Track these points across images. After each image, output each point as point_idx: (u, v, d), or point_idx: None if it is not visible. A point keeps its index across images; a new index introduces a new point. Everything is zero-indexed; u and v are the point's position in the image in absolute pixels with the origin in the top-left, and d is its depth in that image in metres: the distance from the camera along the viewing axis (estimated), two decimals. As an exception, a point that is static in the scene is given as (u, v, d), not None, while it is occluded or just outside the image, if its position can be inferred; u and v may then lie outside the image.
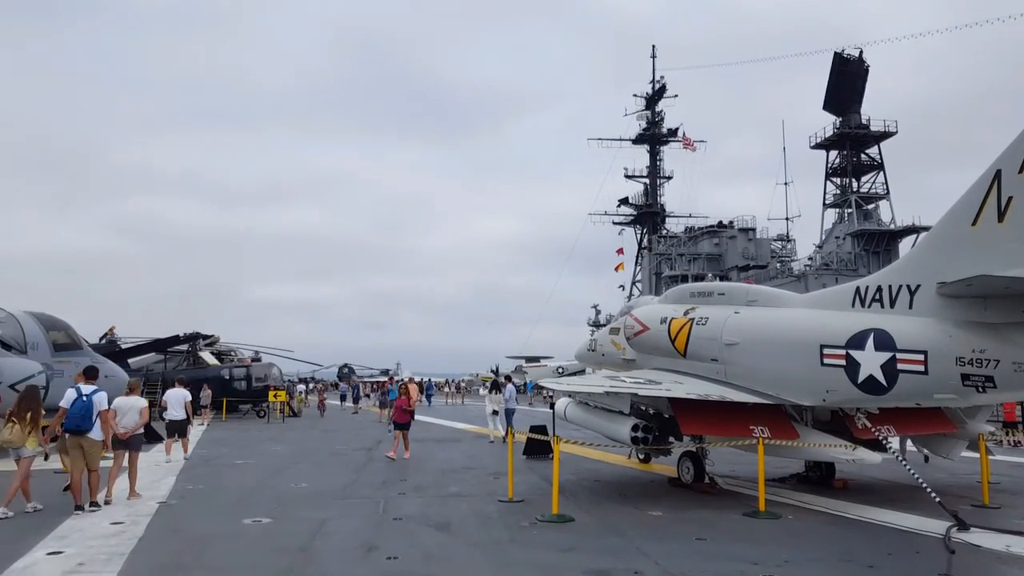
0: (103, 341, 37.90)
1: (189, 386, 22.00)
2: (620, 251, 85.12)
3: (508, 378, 33.14)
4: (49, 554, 9.10)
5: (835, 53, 68.63)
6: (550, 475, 12.12)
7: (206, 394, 35.34)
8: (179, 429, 19.51)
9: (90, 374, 12.97)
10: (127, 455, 13.38)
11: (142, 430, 13.93)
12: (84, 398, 12.11)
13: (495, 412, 25.30)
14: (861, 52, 68.37)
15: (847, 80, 67.86)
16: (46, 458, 12.71)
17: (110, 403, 12.89)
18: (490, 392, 27.06)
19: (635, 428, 13.67)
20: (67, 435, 12.17)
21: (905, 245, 63.27)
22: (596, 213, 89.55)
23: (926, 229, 49.92)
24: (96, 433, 12.17)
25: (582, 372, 29.47)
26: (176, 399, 19.50)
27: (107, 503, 12.43)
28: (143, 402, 13.85)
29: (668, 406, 13.52)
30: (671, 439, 14.46)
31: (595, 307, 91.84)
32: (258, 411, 39.77)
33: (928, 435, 13.94)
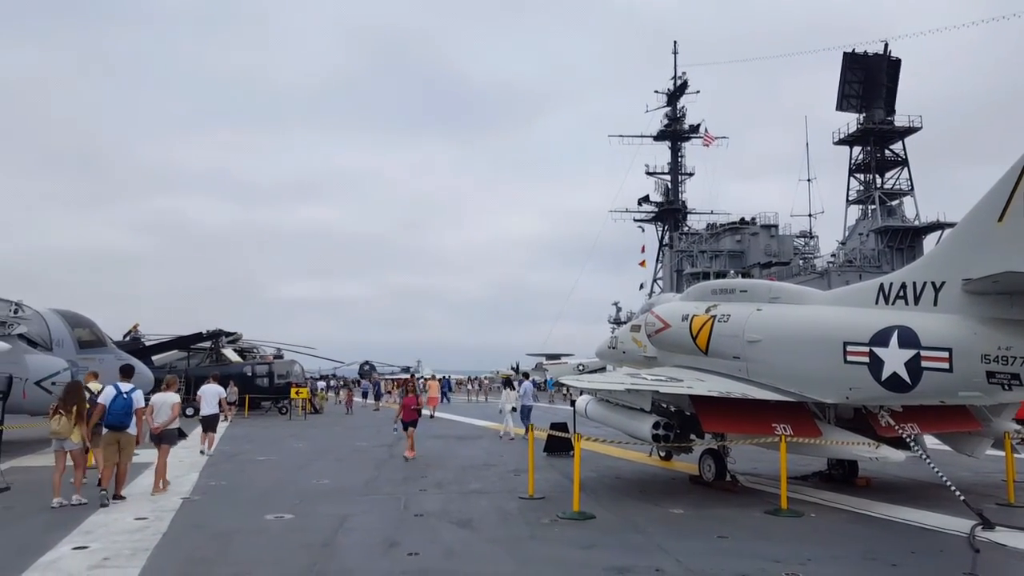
0: (127, 338, 38.46)
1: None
2: (643, 249, 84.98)
3: (526, 375, 33.20)
4: (75, 549, 9.23)
5: (844, 53, 68.14)
6: (571, 472, 12.11)
7: (232, 391, 35.70)
8: (210, 424, 19.89)
9: (126, 372, 13.50)
10: (160, 448, 13.86)
11: (176, 424, 14.38)
12: (124, 396, 12.56)
13: (513, 409, 25.31)
14: (886, 46, 67.66)
15: (869, 76, 67.20)
16: (86, 451, 13.14)
17: (146, 400, 13.45)
18: (504, 389, 27.07)
19: (656, 425, 13.61)
20: (106, 430, 12.56)
21: (930, 242, 62.66)
22: (617, 210, 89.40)
23: (951, 225, 49.23)
24: (132, 429, 12.65)
25: (603, 370, 29.47)
26: (210, 395, 19.88)
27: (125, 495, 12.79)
28: (176, 398, 14.34)
29: (690, 403, 13.45)
30: (692, 437, 14.38)
31: (616, 304, 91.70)
32: (280, 408, 40.07)
33: (953, 433, 13.78)
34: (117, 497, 12.46)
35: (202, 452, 19.24)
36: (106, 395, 12.66)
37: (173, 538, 9.94)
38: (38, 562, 8.61)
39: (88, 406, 12.94)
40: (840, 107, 69.48)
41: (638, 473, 16.45)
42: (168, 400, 14.16)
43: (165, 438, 13.95)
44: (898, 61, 67.98)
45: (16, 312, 21.02)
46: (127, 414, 12.50)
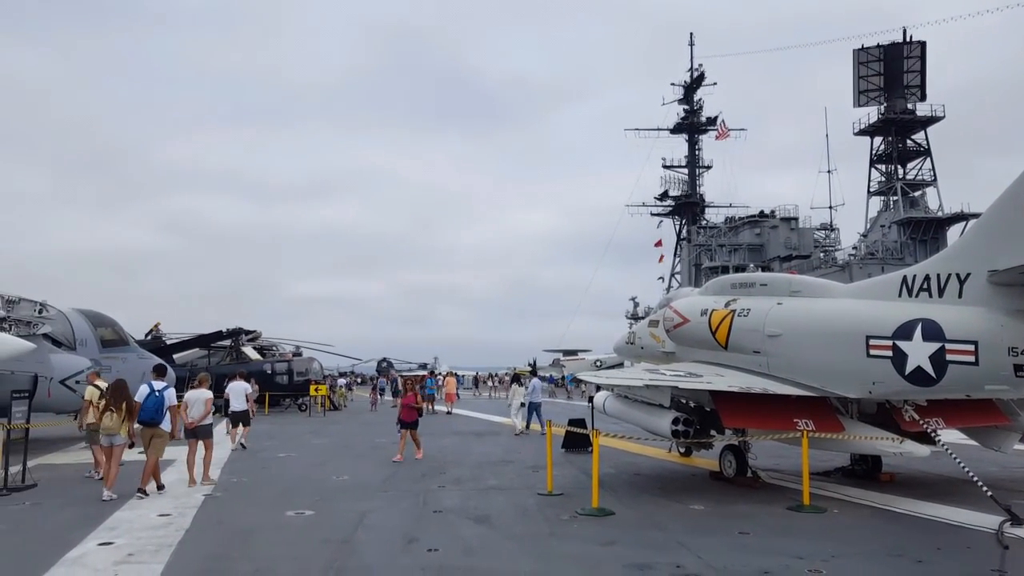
0: (149, 337, 38.68)
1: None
2: (659, 243, 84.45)
3: (534, 372, 33.44)
4: (100, 545, 9.34)
5: (854, 50, 67.42)
6: (589, 468, 12.07)
7: (253, 388, 35.88)
8: (242, 419, 20.52)
9: (160, 371, 14.19)
10: (200, 443, 14.40)
11: (210, 419, 14.82)
12: (156, 393, 13.13)
13: (523, 404, 25.60)
14: (905, 31, 66.73)
15: (889, 66, 66.40)
16: (131, 446, 13.70)
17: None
18: (513, 385, 27.36)
19: (676, 421, 13.52)
20: (140, 426, 13.09)
21: (953, 233, 61.83)
22: (633, 205, 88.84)
23: (976, 216, 48.55)
24: (165, 425, 13.18)
25: (620, 365, 29.36)
26: (238, 391, 20.59)
27: (166, 487, 13.46)
28: (209, 394, 14.82)
29: (709, 399, 13.36)
30: (712, 432, 14.30)
31: (633, 299, 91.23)
32: (299, 405, 40.29)
33: (979, 427, 13.59)
34: (141, 491, 12.70)
35: (242, 446, 20.07)
36: (140, 393, 13.17)
37: (196, 534, 10.02)
38: (65, 557, 8.72)
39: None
40: (858, 103, 68.69)
41: (657, 469, 16.37)
42: (201, 396, 14.63)
43: (200, 433, 14.42)
44: (923, 44, 66.77)
45: (40, 312, 21.26)
46: (158, 410, 13.06)
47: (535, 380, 26.77)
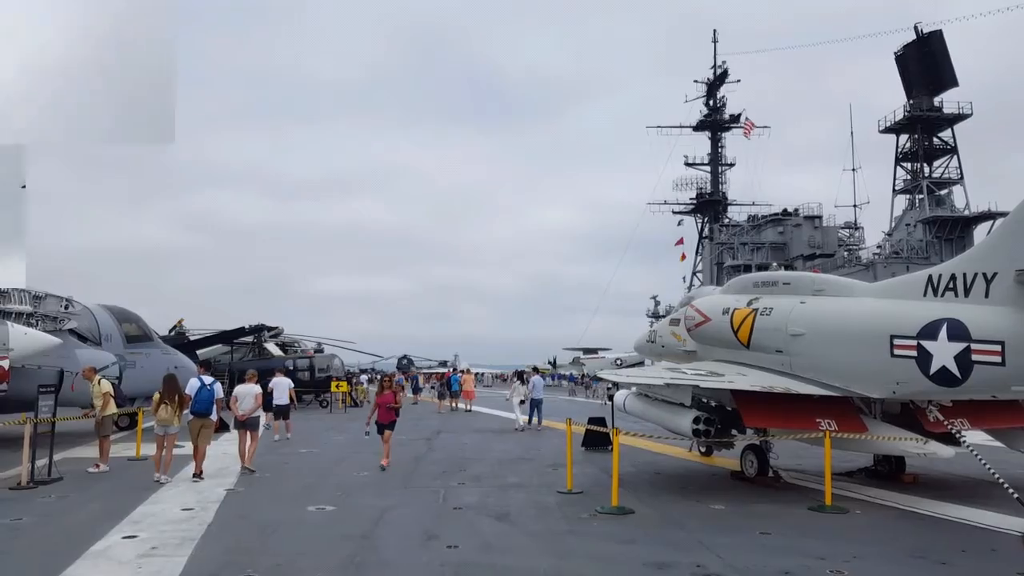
0: (172, 333, 39.09)
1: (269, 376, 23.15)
2: (680, 241, 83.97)
3: (536, 370, 33.88)
4: (124, 538, 9.46)
5: (896, 57, 66.78)
6: (609, 467, 12.04)
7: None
8: (283, 412, 21.98)
9: (207, 366, 15.53)
10: (251, 434, 15.28)
11: (259, 412, 15.83)
12: (208, 387, 14.41)
13: (522, 401, 26.35)
14: (916, 28, 65.83)
15: (913, 65, 65.63)
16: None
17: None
18: (517, 382, 27.86)
19: (696, 420, 13.45)
20: (192, 416, 14.29)
21: (980, 232, 61.02)
22: (655, 203, 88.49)
23: (1003, 215, 47.91)
24: (213, 416, 14.46)
25: (641, 364, 29.37)
26: (281, 387, 22.15)
27: (252, 471, 14.82)
28: (258, 389, 15.79)
29: (731, 398, 13.28)
30: (734, 432, 14.21)
31: (654, 298, 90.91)
32: (320, 401, 40.56)
33: (1005, 428, 13.39)
34: (196, 475, 13.78)
35: (287, 438, 21.35)
36: (192, 386, 14.34)
37: (218, 528, 10.13)
38: (90, 550, 8.84)
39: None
40: (910, 105, 68.00)
41: (678, 468, 16.30)
42: (252, 391, 15.57)
43: (249, 424, 15.26)
44: (938, 32, 65.54)
45: (66, 308, 21.61)
46: (210, 403, 14.25)
47: (536, 377, 27.27)
